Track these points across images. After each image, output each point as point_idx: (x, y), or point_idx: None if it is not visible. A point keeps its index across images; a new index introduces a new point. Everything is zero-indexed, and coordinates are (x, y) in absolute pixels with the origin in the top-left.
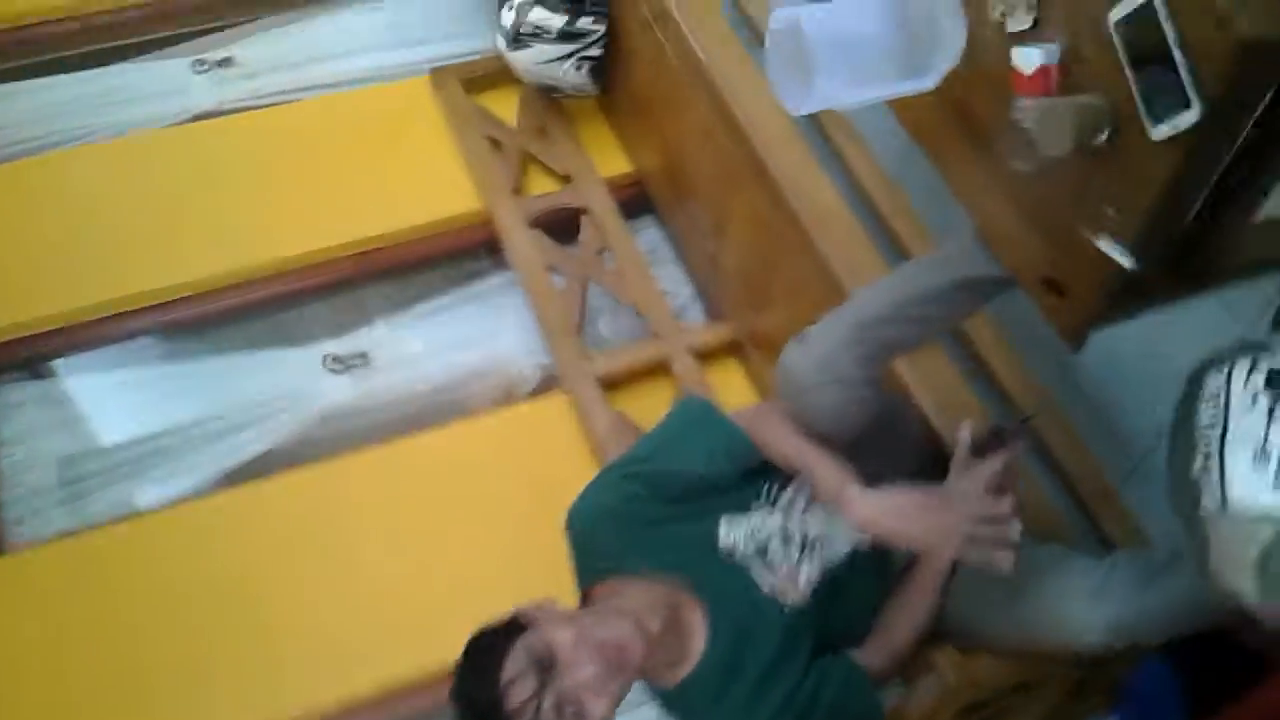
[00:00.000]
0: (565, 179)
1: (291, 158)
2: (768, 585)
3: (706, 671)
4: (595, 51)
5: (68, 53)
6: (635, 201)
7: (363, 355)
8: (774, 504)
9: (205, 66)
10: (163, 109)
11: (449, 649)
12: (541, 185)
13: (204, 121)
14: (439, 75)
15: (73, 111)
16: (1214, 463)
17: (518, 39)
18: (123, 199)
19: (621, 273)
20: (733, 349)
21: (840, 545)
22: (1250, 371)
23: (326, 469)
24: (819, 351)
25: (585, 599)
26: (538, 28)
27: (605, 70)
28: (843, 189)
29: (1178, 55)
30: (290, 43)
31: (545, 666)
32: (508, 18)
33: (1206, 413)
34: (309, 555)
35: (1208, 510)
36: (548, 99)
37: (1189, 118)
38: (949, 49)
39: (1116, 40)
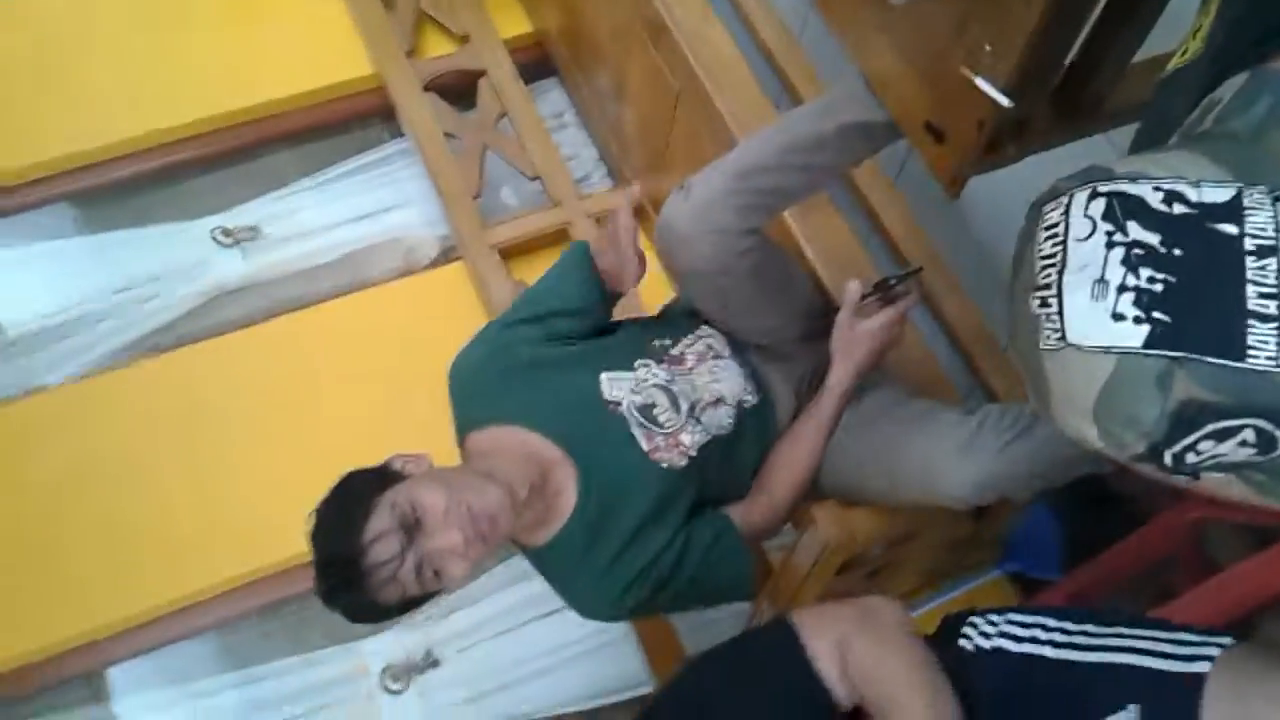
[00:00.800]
0: (463, 39)
1: (175, 19)
2: (648, 445)
3: (574, 530)
4: None
5: None
6: (537, 64)
7: (253, 229)
8: (662, 360)
9: None
10: None
11: None
12: (438, 47)
13: None
14: None
15: None
16: (1053, 296)
17: None
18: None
19: (521, 139)
20: (635, 214)
21: (727, 409)
22: (1090, 199)
23: (222, 344)
24: (699, 200)
25: (461, 449)
26: None
27: None
28: (742, 43)
29: None
30: None
31: (410, 527)
32: None
33: (1045, 245)
34: (207, 431)
35: (1047, 347)
36: None
37: None
38: None
39: None
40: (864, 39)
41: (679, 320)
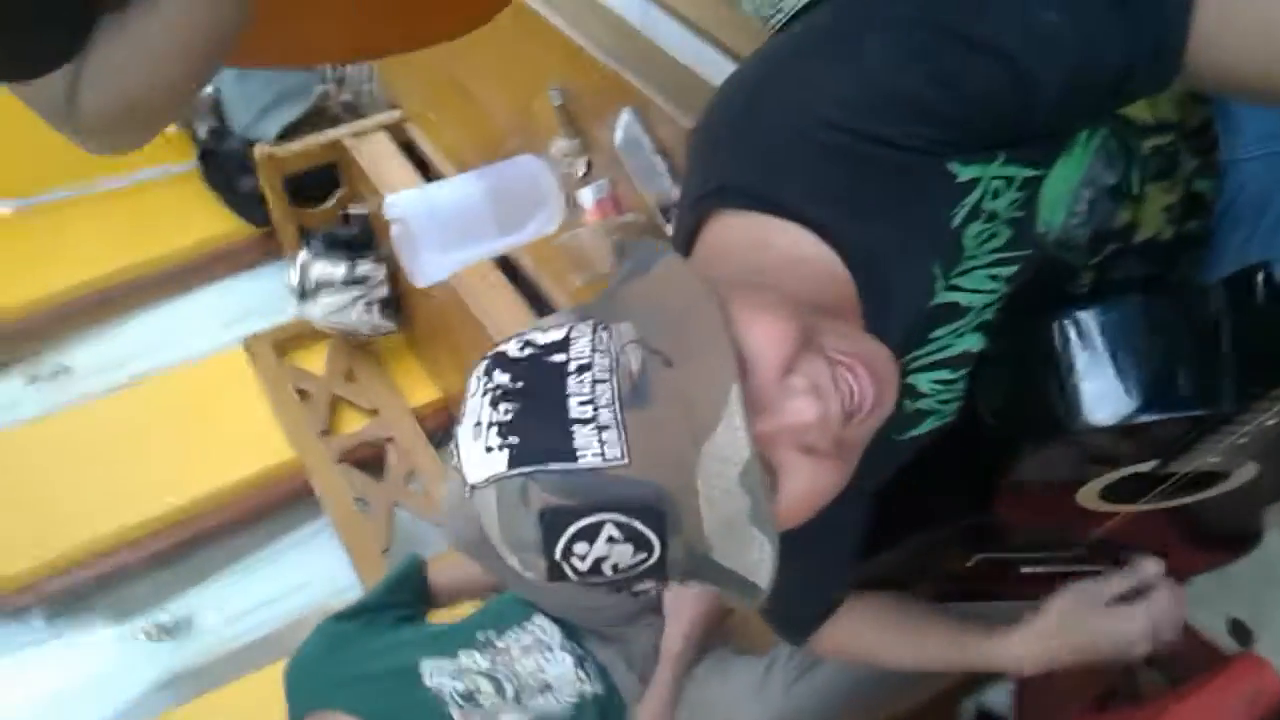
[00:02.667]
0: (373, 413)
1: (112, 443)
2: None
3: None
4: (383, 292)
5: None
6: (450, 425)
7: (186, 621)
8: (485, 649)
9: (38, 379)
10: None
11: None
12: (351, 422)
13: (33, 423)
14: (251, 343)
15: None
16: (454, 449)
17: (305, 294)
18: None
19: (429, 493)
20: None
21: (558, 697)
22: (479, 364)
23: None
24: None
25: None
26: (321, 280)
27: (399, 307)
28: None
29: (658, 161)
30: (119, 342)
31: None
32: (294, 277)
33: (459, 411)
34: None
35: (466, 496)
36: (355, 344)
37: None
38: (551, 208)
39: (625, 162)
40: None
41: (511, 608)
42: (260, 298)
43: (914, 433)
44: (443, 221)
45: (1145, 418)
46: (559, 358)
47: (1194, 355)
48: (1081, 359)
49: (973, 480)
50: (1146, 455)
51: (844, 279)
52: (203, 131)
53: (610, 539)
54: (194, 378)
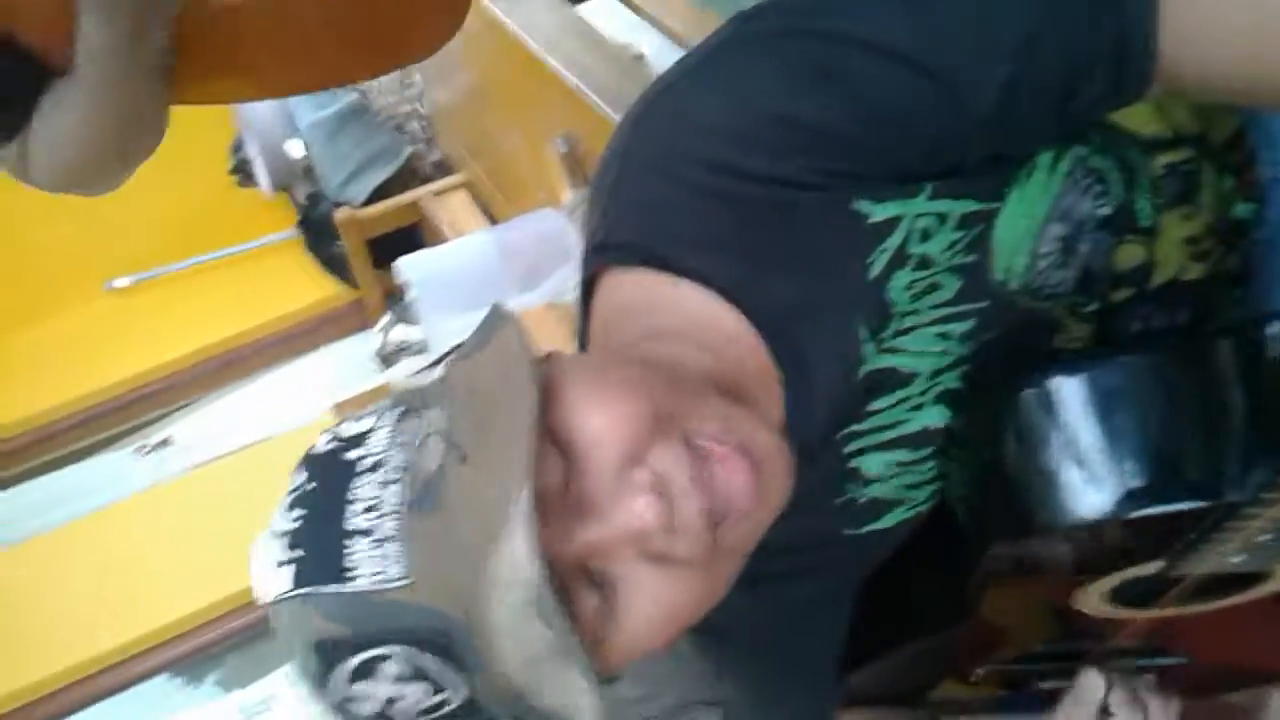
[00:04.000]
0: None
1: (203, 513)
2: None
3: None
4: None
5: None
6: None
7: (266, 701)
8: None
9: (146, 450)
10: (108, 498)
11: None
12: None
13: (138, 495)
14: (340, 408)
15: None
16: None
17: (387, 359)
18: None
19: None
20: None
21: None
22: (297, 465)
23: None
24: None
25: None
26: (402, 343)
27: None
28: None
29: None
30: (221, 413)
31: None
32: (376, 340)
33: None
34: None
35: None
36: None
37: None
38: (575, 261)
39: None
40: None
41: None
42: (359, 363)
43: (876, 526)
44: (451, 282)
45: (1135, 512)
46: (354, 454)
47: (1194, 431)
48: (1054, 437)
49: (956, 581)
50: (1146, 556)
51: (755, 343)
52: (301, 197)
53: (397, 677)
54: (283, 450)
